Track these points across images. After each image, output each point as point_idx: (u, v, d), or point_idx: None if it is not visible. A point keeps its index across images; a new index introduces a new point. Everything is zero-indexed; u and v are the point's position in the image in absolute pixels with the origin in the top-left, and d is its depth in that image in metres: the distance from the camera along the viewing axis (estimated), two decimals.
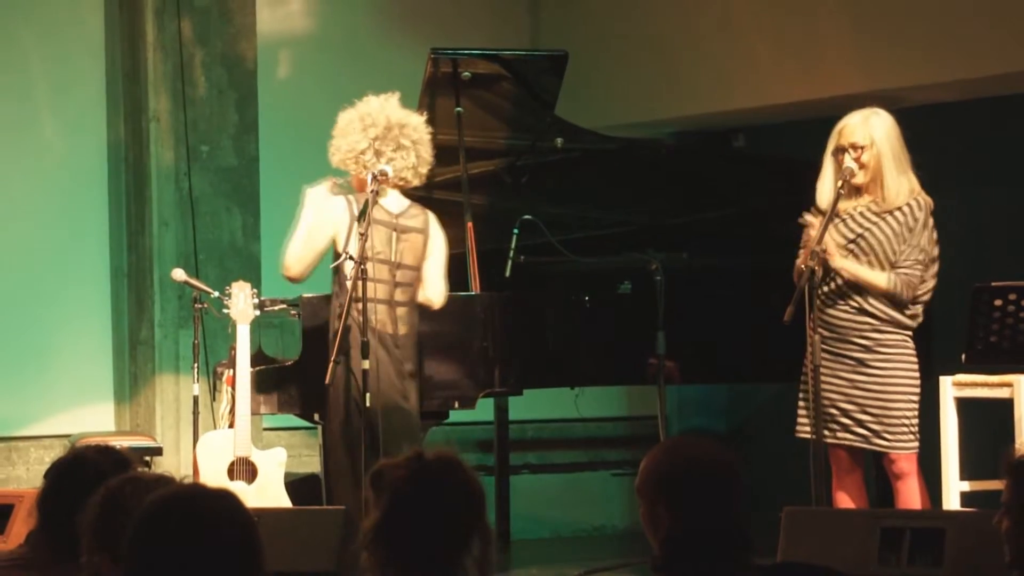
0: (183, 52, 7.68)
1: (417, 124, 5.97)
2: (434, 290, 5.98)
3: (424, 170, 5.98)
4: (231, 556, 2.28)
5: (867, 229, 5.71)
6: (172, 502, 2.32)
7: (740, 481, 3.18)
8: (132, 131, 7.85)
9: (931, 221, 5.71)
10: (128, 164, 7.91)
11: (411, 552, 2.66)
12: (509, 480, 7.86)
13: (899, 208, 5.69)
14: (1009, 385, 5.76)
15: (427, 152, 5.97)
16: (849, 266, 5.65)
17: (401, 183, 5.95)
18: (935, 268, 5.75)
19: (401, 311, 5.91)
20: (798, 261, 5.75)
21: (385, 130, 5.88)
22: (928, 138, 7.16)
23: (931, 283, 5.75)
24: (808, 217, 5.79)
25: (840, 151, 5.70)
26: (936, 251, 5.74)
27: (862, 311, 5.72)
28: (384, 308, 5.85)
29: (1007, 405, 5.75)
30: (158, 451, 7.07)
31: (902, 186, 5.70)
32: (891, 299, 5.67)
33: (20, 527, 4.90)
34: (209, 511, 2.30)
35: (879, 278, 5.66)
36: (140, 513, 2.32)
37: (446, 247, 6.05)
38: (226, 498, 2.36)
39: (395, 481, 2.70)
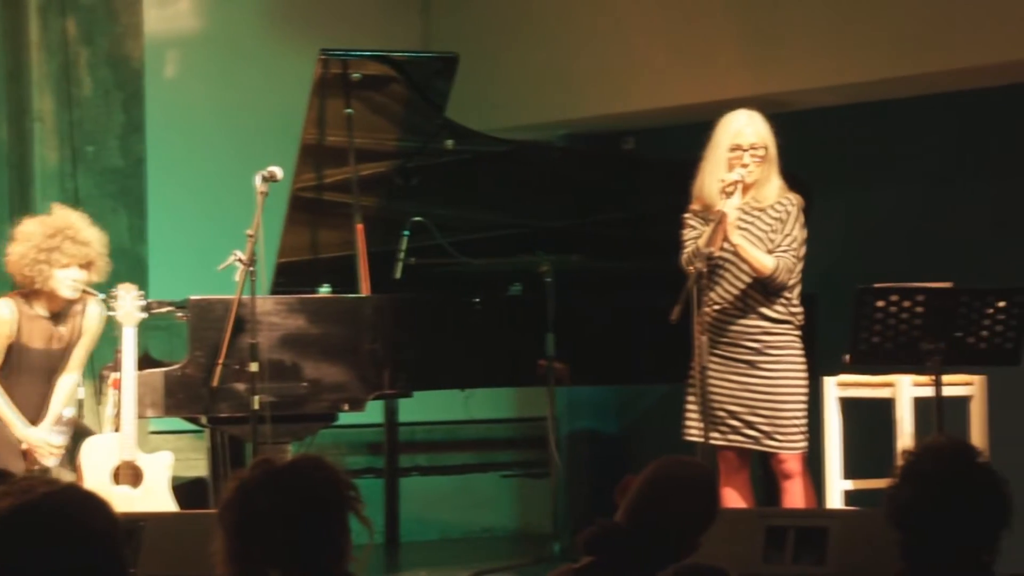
0: (68, 51, 7.58)
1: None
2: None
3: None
4: (88, 560, 2.26)
5: (750, 223, 5.83)
6: (29, 504, 2.30)
7: (698, 509, 3.39)
8: (16, 132, 7.73)
9: (802, 217, 5.86)
10: (12, 165, 7.78)
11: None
12: (398, 482, 7.85)
13: (771, 205, 5.86)
14: (891, 385, 5.85)
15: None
16: (743, 242, 5.76)
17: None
18: (802, 265, 5.87)
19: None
20: (687, 251, 5.83)
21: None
22: (813, 141, 7.27)
23: (799, 276, 5.86)
24: (690, 219, 5.89)
25: (736, 150, 5.78)
26: (804, 248, 5.86)
27: (753, 314, 5.81)
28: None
29: (889, 405, 5.84)
30: None
31: (776, 185, 5.89)
32: (770, 283, 5.77)
33: None
34: (67, 515, 2.29)
35: (766, 258, 5.78)
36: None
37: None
38: (87, 500, 2.33)
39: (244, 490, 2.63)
